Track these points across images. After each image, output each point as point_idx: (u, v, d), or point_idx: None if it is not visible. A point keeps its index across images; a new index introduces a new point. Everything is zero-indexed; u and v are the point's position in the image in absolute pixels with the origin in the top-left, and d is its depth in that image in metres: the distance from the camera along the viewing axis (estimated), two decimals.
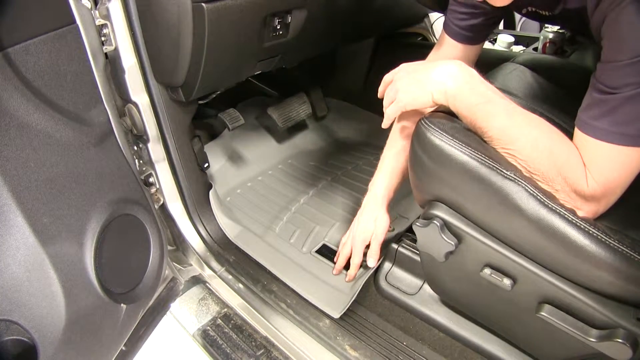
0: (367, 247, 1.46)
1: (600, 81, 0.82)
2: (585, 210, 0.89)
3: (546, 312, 0.96)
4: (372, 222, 1.43)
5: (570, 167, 0.87)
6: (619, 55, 0.77)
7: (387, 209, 1.44)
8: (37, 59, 0.95)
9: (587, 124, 0.85)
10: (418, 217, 1.11)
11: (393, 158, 1.38)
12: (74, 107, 1.06)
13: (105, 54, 1.28)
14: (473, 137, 0.95)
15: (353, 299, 1.43)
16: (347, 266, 1.52)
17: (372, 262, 1.45)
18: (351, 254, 1.49)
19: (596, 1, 0.83)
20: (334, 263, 1.58)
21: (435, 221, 1.02)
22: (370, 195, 1.46)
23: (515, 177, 0.87)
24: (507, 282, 1.00)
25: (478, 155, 0.90)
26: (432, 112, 1.06)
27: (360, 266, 1.49)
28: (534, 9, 1.13)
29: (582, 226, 0.84)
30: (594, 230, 0.83)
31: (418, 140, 0.99)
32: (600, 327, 0.91)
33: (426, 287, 1.45)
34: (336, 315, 1.41)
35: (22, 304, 0.91)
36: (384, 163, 1.42)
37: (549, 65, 1.37)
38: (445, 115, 1.02)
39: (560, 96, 1.22)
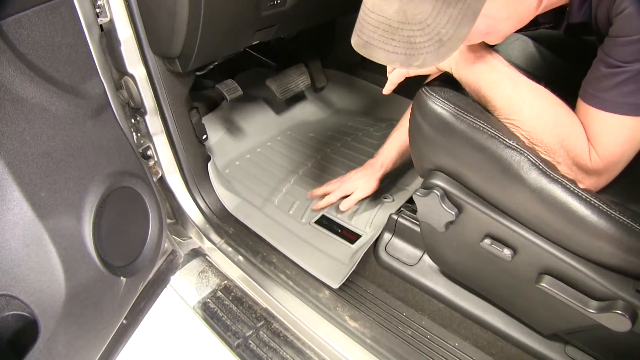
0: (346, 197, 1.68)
1: (609, 55, 0.80)
2: (587, 183, 0.88)
3: (546, 283, 0.96)
4: (361, 181, 1.64)
5: (573, 140, 0.86)
6: (631, 31, 0.76)
7: (379, 177, 1.64)
8: (31, 31, 0.93)
9: (594, 96, 0.83)
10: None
11: (404, 133, 1.43)
12: (69, 79, 1.04)
13: (100, 25, 1.26)
14: (475, 106, 0.94)
15: (352, 269, 1.43)
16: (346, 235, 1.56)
17: (343, 207, 1.66)
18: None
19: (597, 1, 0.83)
20: (334, 234, 1.59)
21: (435, 190, 1.02)
22: (373, 160, 1.66)
23: (517, 146, 0.86)
24: (507, 252, 1.00)
25: (480, 124, 0.89)
26: (433, 80, 1.04)
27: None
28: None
29: (583, 197, 0.83)
30: (595, 201, 0.83)
31: (419, 108, 0.97)
32: (599, 298, 0.91)
33: (426, 258, 1.45)
34: (335, 286, 1.41)
35: (21, 278, 0.91)
36: (392, 135, 1.56)
37: (551, 35, 1.35)
38: (447, 83, 1.01)
39: (562, 68, 1.21)
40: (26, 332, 0.94)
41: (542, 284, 0.96)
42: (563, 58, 1.23)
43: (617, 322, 0.88)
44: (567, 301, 0.94)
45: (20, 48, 0.91)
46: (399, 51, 0.78)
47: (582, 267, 0.90)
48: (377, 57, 0.80)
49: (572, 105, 0.89)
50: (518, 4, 0.84)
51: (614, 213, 0.82)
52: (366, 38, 0.80)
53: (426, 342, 1.32)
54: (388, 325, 1.36)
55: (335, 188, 1.69)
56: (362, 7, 0.81)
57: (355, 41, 0.83)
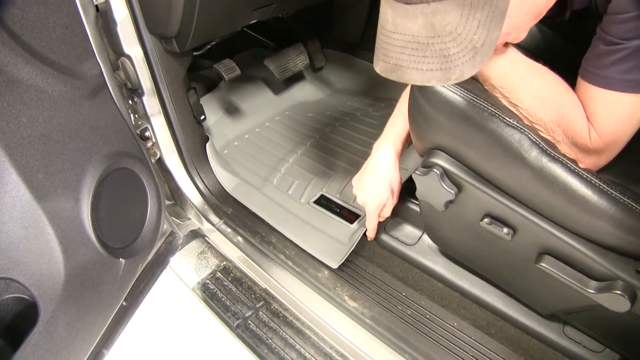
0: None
1: (607, 33, 0.79)
2: (587, 162, 0.88)
3: (546, 263, 0.96)
4: (387, 188, 1.34)
5: (573, 118, 0.85)
6: (629, 7, 0.75)
7: (397, 170, 1.35)
8: (25, 12, 0.92)
9: (594, 74, 0.82)
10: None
11: (404, 121, 1.31)
12: (65, 60, 1.03)
13: (96, 6, 1.25)
14: (475, 84, 0.93)
15: (351, 249, 1.43)
16: (345, 215, 1.54)
17: (386, 214, 1.41)
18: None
19: None
20: (333, 213, 1.60)
21: (435, 169, 1.01)
22: (380, 158, 1.35)
23: (517, 124, 0.85)
24: (507, 232, 0.99)
25: (480, 102, 0.88)
26: None
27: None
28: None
29: (584, 176, 0.82)
30: (595, 181, 0.82)
31: (418, 87, 0.96)
32: (599, 278, 0.91)
33: (425, 237, 1.45)
34: (334, 266, 1.41)
35: (20, 261, 0.91)
36: (394, 125, 1.35)
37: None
38: None
39: (562, 47, 1.20)
40: (26, 314, 0.95)
41: (542, 264, 0.96)
42: (563, 37, 1.22)
43: (616, 302, 0.88)
44: (567, 281, 0.93)
45: (14, 29, 0.90)
46: (434, 67, 0.75)
47: (581, 247, 0.90)
48: (412, 78, 0.77)
49: (572, 85, 0.88)
50: None
51: (614, 193, 0.82)
52: (394, 61, 0.77)
53: (425, 321, 1.33)
54: (387, 305, 1.36)
55: (372, 217, 1.42)
56: (381, 30, 0.78)
57: (382, 67, 0.80)
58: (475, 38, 0.72)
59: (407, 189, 1.39)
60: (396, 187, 1.35)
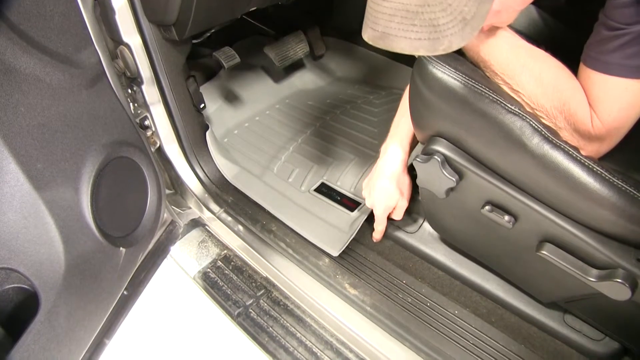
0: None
1: (610, 17, 0.78)
2: (589, 150, 0.87)
3: (547, 251, 0.95)
4: (396, 190, 1.32)
5: (575, 104, 0.84)
6: None
7: (406, 171, 1.34)
8: (22, 0, 0.91)
9: (596, 60, 0.81)
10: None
11: (409, 119, 1.29)
12: (63, 49, 1.03)
13: None
14: (476, 71, 0.92)
15: (352, 237, 1.43)
16: (346, 203, 1.54)
17: (397, 217, 1.40)
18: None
19: None
20: (333, 201, 1.59)
21: (436, 156, 1.00)
22: (388, 160, 1.32)
23: (519, 111, 0.85)
24: (508, 219, 0.99)
25: (481, 88, 0.87)
26: None
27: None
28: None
29: (586, 163, 0.82)
30: (597, 168, 0.82)
31: (419, 73, 0.95)
32: (600, 267, 0.91)
33: (426, 225, 1.45)
34: (335, 254, 1.41)
35: (20, 251, 0.91)
36: (400, 126, 1.30)
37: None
38: None
39: (563, 33, 1.19)
40: (27, 304, 0.95)
41: (543, 252, 0.96)
42: (565, 23, 1.21)
43: (617, 290, 0.88)
44: (568, 269, 0.93)
45: (11, 17, 0.90)
46: (423, 37, 0.74)
47: (583, 235, 0.89)
48: (400, 47, 0.77)
49: (574, 71, 0.87)
50: None
51: (616, 181, 0.81)
52: (382, 29, 0.76)
53: (426, 309, 1.33)
54: (388, 293, 1.36)
55: (381, 220, 1.42)
56: None
57: (370, 35, 0.79)
58: (466, 10, 0.73)
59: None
60: (406, 189, 1.34)
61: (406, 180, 1.34)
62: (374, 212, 1.39)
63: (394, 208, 1.36)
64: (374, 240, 1.49)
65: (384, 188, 1.32)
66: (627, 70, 0.78)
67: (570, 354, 1.23)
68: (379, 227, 1.43)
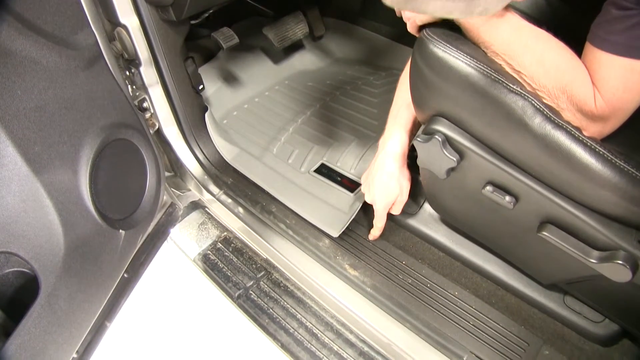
0: None
1: None
2: (592, 130, 0.86)
3: (548, 232, 0.95)
4: (395, 185, 1.30)
5: (578, 85, 0.83)
6: None
7: (406, 166, 1.31)
8: None
9: (604, 39, 0.80)
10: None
11: (407, 110, 1.27)
12: (59, 31, 1.02)
13: None
14: (478, 51, 0.91)
15: (352, 218, 1.43)
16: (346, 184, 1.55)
17: (396, 213, 1.39)
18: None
19: None
20: (333, 182, 1.59)
21: (436, 136, 0.99)
22: (386, 154, 1.29)
23: (521, 91, 0.84)
24: (509, 200, 0.98)
25: (483, 68, 0.86)
26: (434, 23, 1.00)
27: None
28: None
29: (588, 144, 0.81)
30: (600, 149, 0.81)
31: (420, 52, 0.94)
32: (601, 248, 0.91)
33: (426, 206, 1.44)
34: (335, 235, 1.41)
35: (20, 235, 0.91)
36: (397, 118, 1.28)
37: None
38: (450, 27, 0.98)
39: (568, 14, 1.17)
40: (27, 288, 0.95)
41: (544, 233, 0.95)
42: (569, 4, 1.20)
43: (618, 272, 0.88)
44: (569, 250, 0.93)
45: None
46: None
47: (584, 216, 0.89)
48: (432, 8, 0.69)
49: (578, 53, 0.86)
50: None
51: (618, 162, 0.81)
52: None
53: (426, 290, 1.33)
54: (388, 274, 1.37)
55: (380, 215, 1.39)
56: None
57: None
58: None
59: (408, 157, 1.39)
60: (405, 184, 1.32)
61: (406, 174, 1.32)
62: (374, 208, 1.37)
63: (393, 203, 1.35)
64: (374, 237, 1.47)
65: (383, 183, 1.30)
66: (635, 51, 0.77)
67: (570, 336, 1.23)
68: (379, 223, 1.41)
